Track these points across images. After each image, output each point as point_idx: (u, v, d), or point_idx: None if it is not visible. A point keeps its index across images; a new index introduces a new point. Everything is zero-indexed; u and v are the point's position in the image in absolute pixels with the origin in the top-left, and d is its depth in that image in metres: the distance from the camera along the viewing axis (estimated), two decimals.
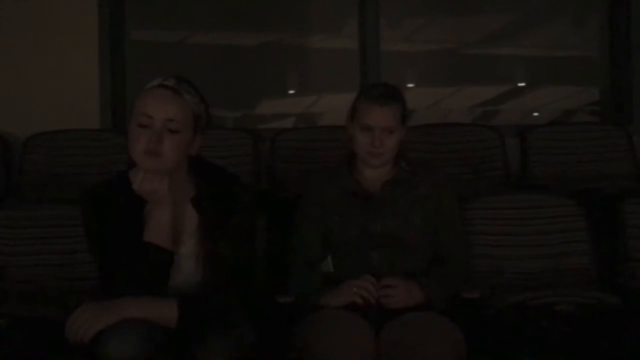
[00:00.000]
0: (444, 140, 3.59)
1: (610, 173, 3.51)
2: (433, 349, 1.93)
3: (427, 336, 1.97)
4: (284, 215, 2.49)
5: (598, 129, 3.72)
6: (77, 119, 3.70)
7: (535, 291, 2.46)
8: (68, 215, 2.54)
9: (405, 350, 1.95)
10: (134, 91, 3.88)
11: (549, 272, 2.64)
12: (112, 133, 3.69)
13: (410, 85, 4.45)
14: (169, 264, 1.90)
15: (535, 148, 3.59)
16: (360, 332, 2.01)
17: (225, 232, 1.95)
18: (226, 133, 3.68)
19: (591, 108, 4.39)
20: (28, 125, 3.65)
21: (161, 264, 1.89)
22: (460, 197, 2.49)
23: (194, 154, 1.99)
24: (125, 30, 4.05)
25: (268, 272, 2.38)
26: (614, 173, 3.51)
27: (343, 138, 2.46)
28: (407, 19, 4.47)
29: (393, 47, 4.22)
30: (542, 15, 4.39)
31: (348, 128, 2.36)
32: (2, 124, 3.68)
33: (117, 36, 3.97)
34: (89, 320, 1.76)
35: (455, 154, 3.54)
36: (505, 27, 4.51)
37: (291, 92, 4.54)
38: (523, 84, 4.51)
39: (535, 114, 4.54)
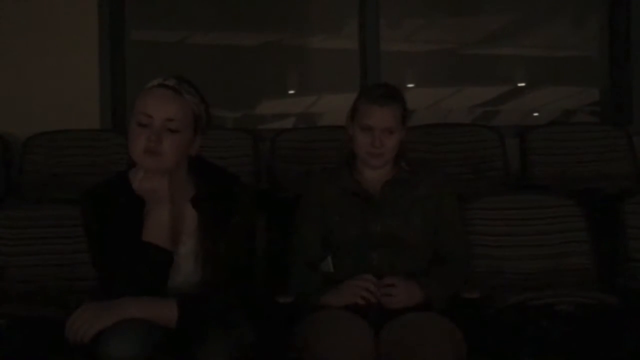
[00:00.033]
0: (444, 140, 3.59)
1: (610, 173, 3.51)
2: (433, 349, 1.93)
3: (427, 336, 1.97)
4: (284, 215, 2.49)
5: (598, 129, 3.72)
6: (77, 119, 3.70)
7: (535, 291, 2.45)
8: (68, 216, 2.54)
9: (405, 350, 1.95)
10: (134, 91, 3.87)
11: (549, 272, 2.64)
12: (112, 133, 3.69)
13: (410, 85, 4.46)
14: (168, 263, 1.90)
15: (535, 148, 3.59)
16: (360, 332, 2.01)
17: (224, 232, 1.95)
18: (226, 133, 3.68)
19: (591, 108, 4.39)
20: (28, 126, 3.65)
21: (160, 264, 1.89)
22: (460, 197, 2.49)
23: (194, 154, 1.99)
24: (125, 30, 4.05)
25: (268, 272, 2.37)
26: (614, 173, 3.51)
27: (343, 138, 2.46)
28: (407, 19, 4.47)
29: (393, 47, 4.22)
30: (542, 16, 4.39)
31: (348, 128, 2.36)
32: (2, 124, 3.68)
33: (117, 36, 3.97)
34: (89, 320, 1.76)
35: (455, 154, 3.54)
36: (505, 27, 4.51)
37: (291, 92, 4.54)
38: (523, 84, 4.52)
39: (535, 114, 4.55)
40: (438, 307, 2.15)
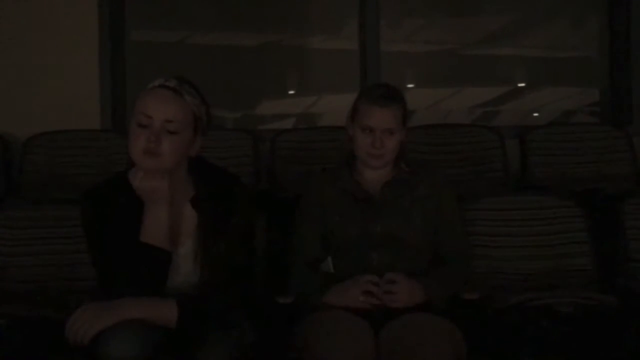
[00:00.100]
0: (444, 141, 3.59)
1: (610, 174, 3.51)
2: (433, 349, 1.93)
3: (427, 336, 1.97)
4: (284, 215, 2.49)
5: (598, 130, 3.72)
6: (77, 119, 3.70)
7: (535, 292, 2.45)
8: (68, 216, 2.54)
9: (405, 350, 1.95)
10: (134, 91, 3.88)
11: (549, 272, 2.64)
12: (112, 133, 3.70)
13: (410, 85, 4.46)
14: (167, 264, 1.90)
15: (535, 149, 3.59)
16: (360, 333, 2.01)
17: (224, 232, 1.95)
18: (226, 133, 3.68)
19: (591, 109, 4.39)
20: (28, 126, 3.66)
21: (159, 264, 1.89)
22: (460, 198, 2.49)
23: (194, 155, 1.99)
24: (125, 30, 4.05)
25: (268, 272, 2.37)
26: (614, 174, 3.51)
27: (343, 139, 2.46)
28: (407, 19, 4.47)
29: (393, 47, 4.22)
30: (542, 16, 4.39)
31: (348, 129, 2.36)
32: (2, 124, 3.69)
33: (117, 36, 3.97)
34: (89, 320, 1.76)
35: (455, 155, 3.54)
36: (505, 28, 4.51)
37: (291, 92, 4.54)
38: (523, 85, 4.52)
39: (535, 114, 4.54)
40: (438, 308, 2.15)
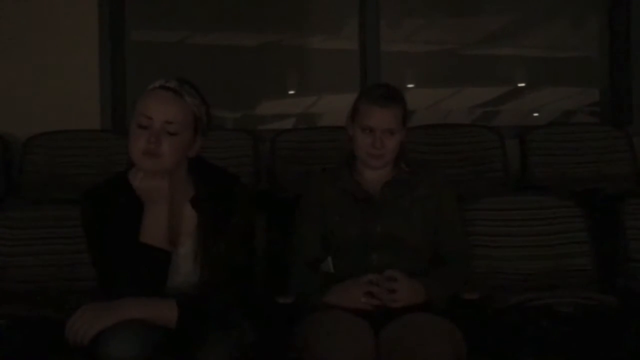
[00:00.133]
0: (444, 141, 3.59)
1: (610, 174, 3.51)
2: (433, 349, 1.93)
3: (427, 336, 1.97)
4: (284, 215, 2.49)
5: (598, 130, 3.72)
6: (77, 119, 3.70)
7: (535, 292, 2.45)
8: (68, 216, 2.54)
9: (405, 350, 1.95)
10: (134, 91, 3.89)
11: (548, 272, 2.64)
12: (112, 133, 3.70)
13: (410, 85, 4.46)
14: (166, 264, 1.90)
15: (535, 149, 3.59)
16: (360, 333, 2.01)
17: (224, 232, 1.95)
18: (226, 134, 3.68)
19: (591, 109, 4.39)
20: (28, 126, 3.66)
21: (158, 264, 1.89)
22: (460, 198, 2.49)
23: (194, 156, 1.99)
24: (125, 30, 4.05)
25: (268, 272, 2.38)
26: (614, 174, 3.51)
27: (343, 139, 2.46)
28: (407, 19, 4.47)
29: (393, 47, 4.22)
30: (542, 16, 4.39)
31: (348, 129, 2.36)
32: (2, 124, 3.68)
33: (117, 36, 3.97)
34: (88, 321, 1.76)
35: (455, 155, 3.54)
36: (505, 28, 4.51)
37: (291, 92, 4.54)
38: (523, 85, 4.52)
39: (535, 114, 4.55)
40: (438, 308, 2.14)
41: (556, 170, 3.53)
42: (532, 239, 2.68)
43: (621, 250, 2.64)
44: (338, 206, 2.32)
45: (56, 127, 3.61)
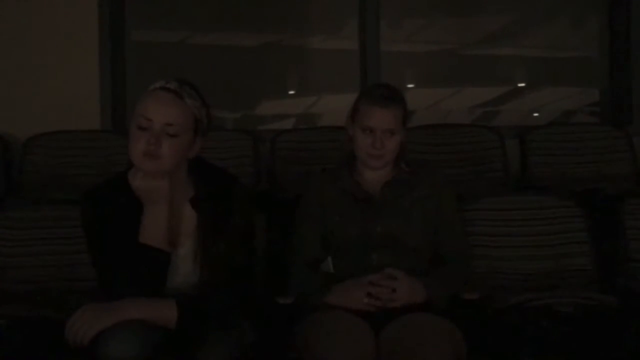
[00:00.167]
0: (444, 141, 3.59)
1: (610, 174, 3.51)
2: (433, 349, 1.93)
3: (427, 336, 1.97)
4: (284, 215, 2.49)
5: (598, 130, 3.72)
6: (77, 119, 3.70)
7: (535, 292, 2.46)
8: (68, 216, 2.54)
9: (405, 350, 1.95)
10: (134, 91, 3.89)
11: (548, 273, 2.64)
12: (112, 133, 3.70)
13: (410, 85, 4.46)
14: (165, 264, 1.90)
15: (535, 149, 3.59)
16: (360, 333, 2.01)
17: (224, 232, 1.95)
18: (226, 134, 3.68)
19: (591, 109, 4.39)
20: (28, 126, 3.65)
21: (158, 265, 1.89)
22: (460, 198, 2.49)
23: (193, 157, 1.99)
24: (125, 30, 4.05)
25: (268, 272, 2.38)
26: (614, 174, 3.51)
27: (343, 139, 2.46)
28: (407, 19, 4.47)
29: (393, 47, 4.22)
30: (542, 16, 4.39)
31: (348, 129, 2.36)
32: (2, 124, 3.68)
33: (118, 36, 3.97)
34: (88, 321, 1.76)
35: (455, 155, 3.54)
36: (505, 28, 4.51)
37: (291, 92, 4.54)
38: (523, 85, 4.52)
39: (535, 114, 4.55)
40: (438, 308, 2.14)
41: (556, 170, 3.53)
42: (532, 239, 2.68)
43: (621, 250, 2.64)
44: (338, 206, 2.32)
45: (56, 127, 3.61)
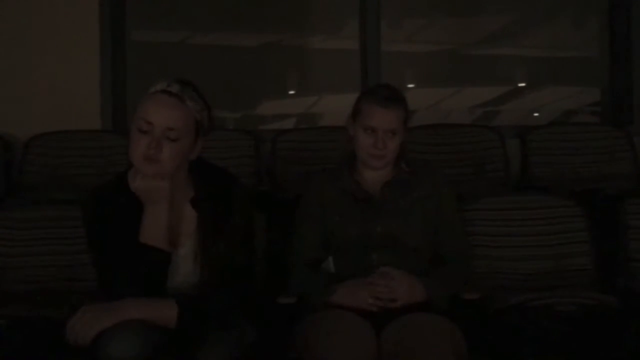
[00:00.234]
0: (444, 141, 3.59)
1: (610, 174, 3.51)
2: (433, 349, 1.93)
3: (428, 336, 1.97)
4: (284, 215, 2.49)
5: (598, 130, 3.72)
6: (78, 119, 3.70)
7: (535, 292, 2.45)
8: (68, 216, 2.54)
9: (405, 350, 1.95)
10: (135, 92, 3.89)
11: (549, 272, 2.64)
12: (112, 134, 3.70)
13: (410, 85, 4.46)
14: (166, 264, 1.90)
15: (535, 149, 3.59)
16: (361, 333, 2.01)
17: (224, 232, 1.95)
18: (227, 134, 3.68)
19: (591, 109, 4.40)
20: (28, 126, 3.65)
21: (158, 265, 1.89)
22: (460, 198, 2.49)
23: (194, 158, 1.98)
24: (126, 30, 4.05)
25: (268, 272, 2.38)
26: (615, 174, 3.51)
27: (343, 139, 2.46)
28: (408, 19, 4.47)
29: (394, 47, 4.22)
30: (542, 16, 4.39)
31: (349, 129, 2.36)
32: (3, 124, 3.68)
33: (118, 36, 3.97)
34: (89, 322, 1.77)
35: (456, 155, 3.54)
36: (505, 28, 4.51)
37: (291, 92, 4.54)
38: (523, 85, 4.52)
39: (536, 114, 4.55)
40: (438, 307, 2.14)
41: (556, 170, 3.53)
42: (532, 239, 2.68)
43: (621, 250, 2.64)
44: (338, 206, 2.32)
45: (56, 127, 3.61)
